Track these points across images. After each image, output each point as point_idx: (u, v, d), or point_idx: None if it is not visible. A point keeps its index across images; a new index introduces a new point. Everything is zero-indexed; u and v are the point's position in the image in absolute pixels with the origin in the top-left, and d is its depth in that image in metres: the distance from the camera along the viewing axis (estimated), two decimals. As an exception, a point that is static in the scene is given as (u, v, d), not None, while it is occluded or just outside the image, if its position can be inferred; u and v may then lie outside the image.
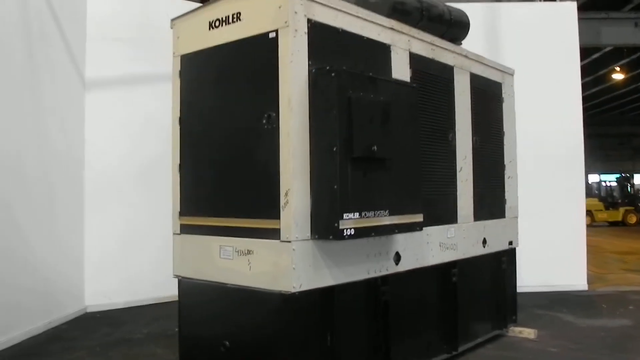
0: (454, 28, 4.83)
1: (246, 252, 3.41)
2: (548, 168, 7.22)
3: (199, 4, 3.99)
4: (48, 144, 5.69)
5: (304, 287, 3.24)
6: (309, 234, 3.27)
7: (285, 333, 3.29)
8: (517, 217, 5.51)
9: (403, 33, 4.10)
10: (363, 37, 3.75)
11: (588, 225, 19.45)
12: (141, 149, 6.47)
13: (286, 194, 3.22)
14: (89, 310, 6.37)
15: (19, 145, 5.18)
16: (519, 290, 6.93)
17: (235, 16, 3.51)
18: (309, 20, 3.34)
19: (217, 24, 3.61)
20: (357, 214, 3.30)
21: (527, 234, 7.06)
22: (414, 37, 4.20)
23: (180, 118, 3.86)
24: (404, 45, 4.09)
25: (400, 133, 3.64)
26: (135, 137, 6.50)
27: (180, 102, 3.86)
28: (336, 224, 3.19)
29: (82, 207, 6.36)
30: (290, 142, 3.21)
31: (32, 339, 5.18)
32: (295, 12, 3.26)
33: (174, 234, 3.88)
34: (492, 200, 5.13)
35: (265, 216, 3.31)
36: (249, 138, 3.43)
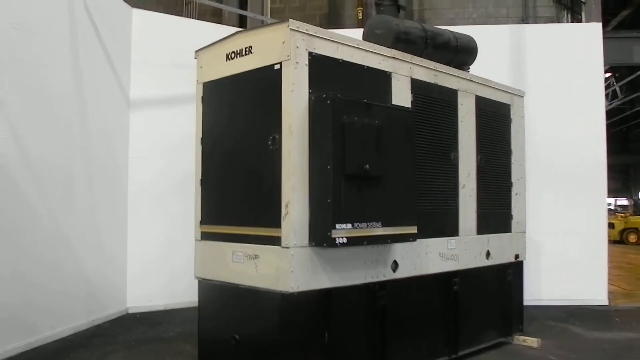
0: (460, 54, 5.24)
1: (254, 256, 3.92)
2: (571, 186, 7.50)
3: (221, 37, 4.53)
4: (94, 159, 6.36)
5: (302, 288, 3.72)
6: (306, 242, 3.75)
7: (285, 329, 3.76)
8: (524, 232, 5.82)
9: (405, 61, 4.55)
10: (364, 66, 4.22)
11: (634, 243, 19.18)
12: (178, 163, 7.07)
13: (286, 206, 3.71)
14: (130, 311, 7.01)
15: (67, 161, 5.87)
16: (539, 303, 7.32)
17: (247, 49, 4.05)
18: (310, 53, 3.84)
19: (232, 55, 4.16)
20: (349, 225, 3.76)
21: (549, 250, 7.43)
22: (415, 64, 4.64)
23: (202, 138, 4.42)
24: (405, 72, 4.54)
25: (396, 153, 4.09)
26: (173, 152, 7.12)
27: (203, 124, 4.43)
28: (329, 233, 3.66)
29: (126, 216, 7.02)
30: (291, 161, 3.71)
31: (76, 334, 5.81)
32: (297, 47, 3.77)
33: (195, 240, 4.44)
34: (497, 216, 5.48)
35: (269, 225, 3.81)
36: (257, 157, 3.95)
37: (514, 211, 5.69)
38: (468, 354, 5.12)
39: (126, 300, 7.03)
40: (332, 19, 9.69)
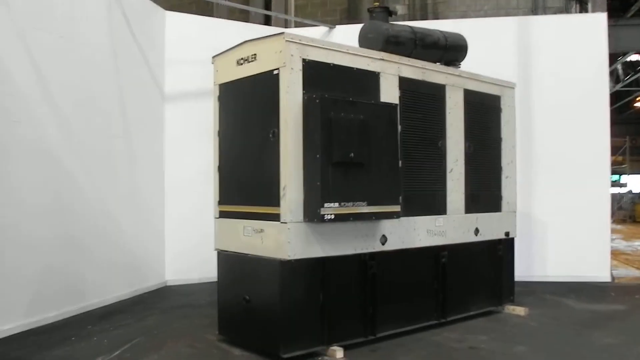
0: (450, 52, 5.98)
1: (260, 230, 4.82)
2: (576, 169, 8.11)
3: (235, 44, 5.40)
4: (134, 146, 7.38)
5: (297, 256, 4.59)
6: (301, 218, 4.62)
7: (284, 290, 4.63)
8: (514, 212, 6.53)
9: (392, 62, 5.34)
10: (353, 68, 5.03)
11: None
12: (209, 149, 8.00)
13: (284, 189, 4.58)
14: (168, 284, 8.06)
15: (110, 148, 6.89)
16: (545, 279, 8.01)
17: (252, 57, 4.92)
18: (303, 60, 4.68)
19: (241, 61, 5.04)
20: (336, 204, 4.60)
21: (555, 229, 8.10)
22: (403, 64, 5.42)
23: (218, 131, 5.33)
24: (393, 72, 5.33)
25: (380, 142, 4.89)
26: (205, 140, 8.04)
27: (219, 119, 5.34)
28: (318, 211, 4.51)
29: (163, 199, 8.03)
30: (287, 151, 4.57)
31: (120, 302, 6.85)
32: (292, 55, 4.62)
33: (214, 218, 5.37)
34: (486, 197, 6.22)
35: (271, 204, 4.69)
36: (261, 147, 4.82)
37: (504, 192, 6.40)
38: (457, 319, 5.90)
39: (165, 274, 8.08)
40: (351, 14, 10.43)
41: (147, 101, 7.78)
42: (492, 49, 8.32)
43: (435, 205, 5.71)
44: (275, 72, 4.68)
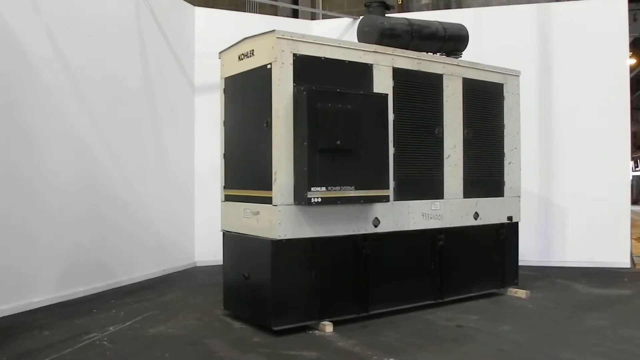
0: (449, 42, 6.23)
1: (256, 212, 5.27)
2: (597, 156, 8.21)
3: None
4: (164, 135, 7.98)
5: (288, 236, 5.02)
6: (292, 201, 5.04)
7: (276, 268, 5.06)
8: (518, 197, 6.73)
9: (386, 53, 5.66)
10: (345, 61, 5.39)
11: None
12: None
13: (275, 174, 5.01)
14: (197, 264, 8.66)
15: (139, 137, 7.50)
16: (563, 264, 8.17)
17: (250, 52, 5.36)
18: (294, 55, 5.08)
19: (242, 57, 5.49)
20: (323, 188, 4.99)
21: (574, 215, 8.25)
22: (397, 55, 5.73)
23: (224, 121, 5.80)
24: (387, 63, 5.65)
25: (369, 130, 5.25)
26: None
27: (225, 110, 5.80)
28: (306, 194, 4.92)
29: (193, 186, 8.63)
30: (278, 139, 5.00)
31: (148, 280, 7.49)
32: (282, 50, 5.02)
33: (221, 201, 5.86)
34: (487, 182, 6.45)
35: (265, 188, 5.13)
36: (257, 136, 5.26)
37: (507, 178, 6.61)
38: (456, 300, 6.20)
39: (194, 255, 8.68)
40: None
41: (177, 93, 8.36)
42: (512, 37, 8.48)
43: (431, 189, 6.00)
44: (269, 66, 5.10)
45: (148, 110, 7.72)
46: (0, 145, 5.65)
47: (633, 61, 19.11)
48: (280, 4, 9.48)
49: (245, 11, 9.91)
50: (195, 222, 8.67)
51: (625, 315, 5.81)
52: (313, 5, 9.81)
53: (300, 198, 4.99)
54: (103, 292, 6.73)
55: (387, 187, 5.40)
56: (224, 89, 5.82)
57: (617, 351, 4.66)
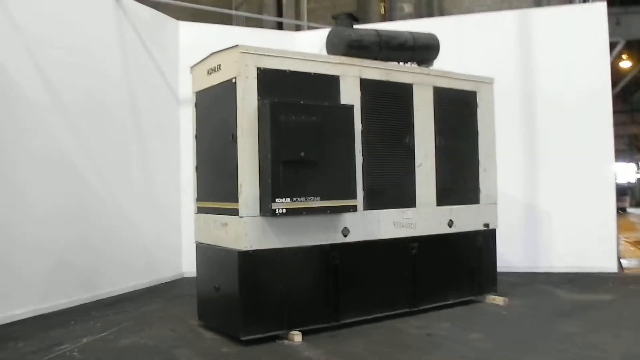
0: (419, 52, 6.32)
1: (225, 224, 5.37)
2: (581, 160, 8.24)
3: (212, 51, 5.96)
4: (149, 148, 8.13)
5: (254, 247, 5.13)
6: (257, 212, 5.14)
7: (243, 279, 5.16)
8: (494, 204, 6.78)
9: (353, 65, 5.76)
10: (311, 73, 5.49)
11: None
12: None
13: (241, 186, 5.12)
14: (185, 275, 8.77)
15: (124, 151, 7.66)
16: (551, 270, 8.22)
17: (218, 67, 5.48)
18: (258, 68, 5.20)
19: (210, 71, 5.62)
20: (288, 199, 5.09)
21: (560, 219, 8.28)
22: (365, 66, 5.83)
23: (195, 135, 5.93)
24: (354, 74, 5.75)
25: (334, 141, 5.34)
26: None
27: (196, 123, 5.93)
28: (270, 206, 5.02)
29: (179, 197, 8.75)
30: (243, 152, 5.11)
31: (132, 292, 7.61)
32: (246, 65, 5.14)
33: (194, 213, 5.97)
34: (461, 189, 6.52)
35: (232, 200, 5.23)
36: (225, 149, 5.37)
37: (482, 185, 6.67)
38: (431, 308, 6.25)
39: (182, 266, 8.80)
40: (359, 15, 10.74)
41: (162, 106, 8.52)
42: (492, 44, 8.55)
43: (402, 198, 6.08)
44: (234, 80, 5.22)
45: (132, 124, 7.88)
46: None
47: (629, 64, 19.08)
48: (265, 18, 9.63)
49: (232, 25, 10.04)
50: (182, 233, 8.78)
51: (599, 321, 5.83)
52: (297, 18, 9.93)
53: (265, 209, 5.09)
54: (85, 304, 6.85)
55: (354, 197, 5.48)
56: (195, 103, 5.95)
57: (582, 357, 4.71)
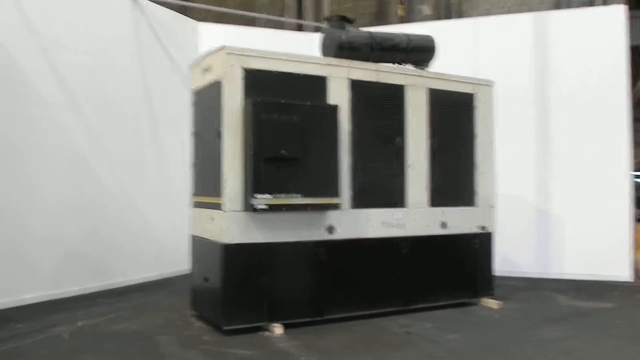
0: (413, 53, 6.43)
1: (212, 218, 5.65)
2: (595, 165, 8.13)
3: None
4: (164, 146, 8.52)
5: (236, 241, 5.38)
6: (240, 207, 5.39)
7: (227, 271, 5.41)
8: (492, 207, 6.80)
9: (342, 66, 5.94)
10: (298, 74, 5.71)
11: None
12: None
13: (225, 181, 5.38)
14: (201, 270, 9.12)
15: (139, 149, 8.07)
16: (562, 277, 8.15)
17: (209, 67, 5.77)
18: (244, 69, 5.45)
19: (204, 71, 5.91)
20: (269, 195, 5.31)
21: (574, 227, 8.21)
22: (354, 67, 6.00)
23: (193, 132, 6.23)
24: (343, 75, 5.93)
25: (317, 140, 5.54)
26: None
27: (194, 121, 6.23)
28: (249, 201, 5.26)
29: (196, 193, 9.12)
30: (228, 149, 5.37)
31: (144, 283, 8.00)
32: (232, 65, 5.40)
33: (191, 207, 6.27)
34: (456, 191, 6.58)
35: (218, 195, 5.50)
36: (214, 146, 5.64)
37: (479, 188, 6.70)
38: (423, 308, 6.34)
39: (196, 260, 9.15)
40: (380, 17, 10.89)
41: (178, 104, 8.87)
42: (508, 46, 8.54)
43: (392, 198, 6.21)
44: (220, 80, 5.48)
45: (147, 122, 8.28)
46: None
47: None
48: (285, 20, 9.88)
49: (256, 27, 10.36)
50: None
51: (586, 328, 5.80)
52: (317, 20, 10.18)
53: (246, 205, 5.33)
54: (95, 292, 7.26)
55: (337, 195, 5.66)
56: (193, 102, 6.25)
57: (550, 362, 4.74)
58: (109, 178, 7.64)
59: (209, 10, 9.82)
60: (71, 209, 7.11)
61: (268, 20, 10.09)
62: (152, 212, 8.32)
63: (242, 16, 10.04)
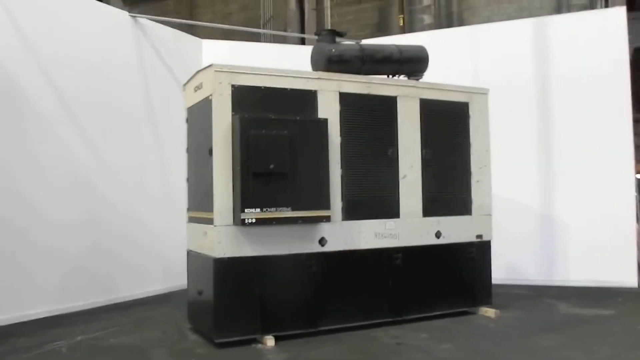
0: (406, 64, 6.49)
1: (205, 232, 5.76)
2: (599, 170, 8.08)
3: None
4: (166, 160, 8.67)
5: (228, 255, 5.48)
6: (230, 222, 5.49)
7: (218, 285, 5.52)
8: (489, 215, 6.80)
9: (332, 79, 6.03)
10: (287, 88, 5.80)
11: None
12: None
13: (215, 197, 5.49)
14: (208, 282, 9.24)
15: (140, 164, 8.24)
16: (567, 284, 8.10)
17: (200, 85, 5.90)
18: (232, 86, 5.57)
19: (195, 89, 6.05)
20: (258, 209, 5.41)
21: (578, 233, 8.17)
22: (344, 80, 6.08)
23: (187, 148, 6.36)
24: (333, 88, 6.01)
25: (307, 153, 5.63)
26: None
27: (188, 138, 6.37)
28: (239, 216, 5.36)
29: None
30: (218, 164, 5.49)
31: (149, 297, 8.14)
32: (220, 82, 5.52)
33: (186, 222, 6.40)
34: (451, 200, 6.59)
35: (210, 210, 5.61)
36: (205, 162, 5.76)
37: (475, 196, 6.72)
38: (418, 318, 6.36)
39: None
40: (381, 27, 10.95)
41: (182, 120, 8.99)
42: (509, 52, 8.55)
43: (385, 209, 6.25)
44: (210, 97, 5.61)
45: (149, 135, 8.45)
46: (-5, 174, 6.51)
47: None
48: (288, 34, 10.01)
49: (260, 42, 10.53)
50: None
51: (582, 336, 5.77)
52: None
53: (236, 219, 5.43)
54: (99, 307, 7.41)
55: (328, 208, 5.73)
56: (187, 119, 6.39)
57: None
58: (113, 193, 7.81)
59: (214, 27, 9.98)
60: (76, 224, 7.28)
61: (272, 35, 10.24)
62: (157, 225, 8.46)
63: (246, 33, 10.19)
